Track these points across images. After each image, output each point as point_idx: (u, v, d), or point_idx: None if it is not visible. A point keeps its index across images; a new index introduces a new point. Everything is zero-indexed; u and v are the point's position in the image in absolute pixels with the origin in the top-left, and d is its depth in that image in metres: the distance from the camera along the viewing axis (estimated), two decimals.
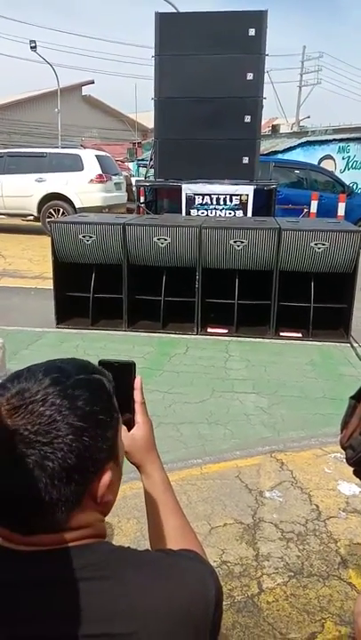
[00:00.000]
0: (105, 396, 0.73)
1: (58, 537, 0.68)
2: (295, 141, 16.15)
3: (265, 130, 19.89)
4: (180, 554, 0.77)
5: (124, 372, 0.91)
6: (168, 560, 0.74)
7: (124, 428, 0.88)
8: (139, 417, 0.93)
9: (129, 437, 0.91)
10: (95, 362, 0.81)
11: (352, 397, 1.08)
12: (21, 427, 0.64)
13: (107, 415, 0.71)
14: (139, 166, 16.06)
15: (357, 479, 1.05)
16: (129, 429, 0.91)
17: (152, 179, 7.09)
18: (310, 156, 15.08)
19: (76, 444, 0.66)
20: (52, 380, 0.68)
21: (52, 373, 0.69)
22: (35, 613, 0.64)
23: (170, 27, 6.19)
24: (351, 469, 1.04)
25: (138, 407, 0.93)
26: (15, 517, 0.67)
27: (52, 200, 11.03)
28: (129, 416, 0.91)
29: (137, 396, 0.93)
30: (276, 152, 15.60)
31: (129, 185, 12.87)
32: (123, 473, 0.78)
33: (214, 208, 6.27)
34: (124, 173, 14.18)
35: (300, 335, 5.10)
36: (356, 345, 4.90)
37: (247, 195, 6.20)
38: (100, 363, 0.88)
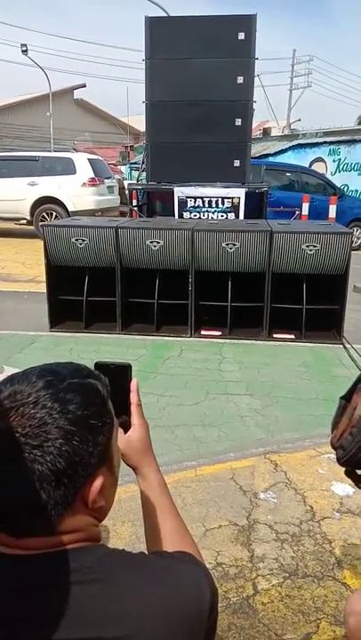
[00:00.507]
0: (98, 400, 0.72)
1: (50, 540, 0.68)
2: (286, 144, 16.24)
3: (256, 133, 19.98)
4: (174, 556, 0.77)
5: (120, 375, 0.91)
6: (163, 563, 0.74)
7: (120, 430, 0.88)
8: (135, 419, 0.93)
9: (125, 439, 0.91)
10: (90, 365, 0.82)
11: (342, 397, 1.09)
12: (12, 429, 0.65)
13: (98, 420, 0.70)
14: (131, 169, 16.08)
15: (350, 480, 1.06)
16: (125, 431, 0.92)
17: (144, 182, 7.10)
18: (301, 159, 15.17)
19: (65, 448, 0.65)
20: (45, 382, 0.68)
21: (46, 376, 0.69)
22: (27, 617, 0.64)
23: (160, 31, 6.21)
24: (343, 469, 1.05)
25: (134, 409, 0.94)
26: (7, 520, 0.67)
27: (45, 204, 11.02)
28: (125, 418, 0.92)
29: (133, 398, 0.94)
30: (267, 155, 15.69)
31: (122, 188, 12.88)
32: (119, 476, 0.78)
33: (206, 211, 6.29)
34: (117, 176, 14.18)
35: (292, 337, 5.13)
36: (348, 346, 4.93)
37: (239, 197, 6.22)
38: (97, 365, 0.89)
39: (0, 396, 0.67)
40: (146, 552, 0.86)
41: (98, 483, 0.70)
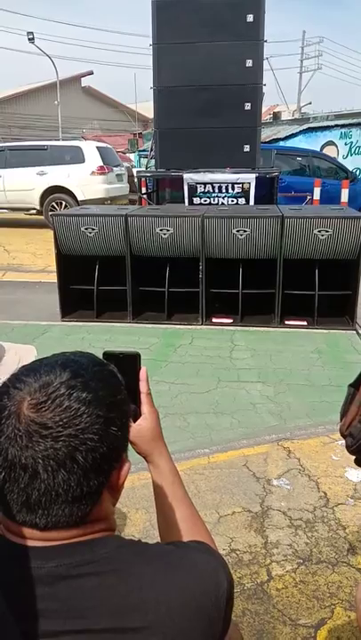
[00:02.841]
0: (121, 385, 0.75)
1: (74, 531, 0.68)
2: (297, 128, 16.01)
3: (266, 117, 19.73)
4: (191, 546, 0.77)
5: (128, 364, 0.91)
6: (178, 553, 0.74)
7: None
8: (145, 408, 0.93)
9: (136, 428, 0.91)
10: (102, 354, 0.82)
11: (351, 385, 1.07)
12: (49, 420, 0.65)
13: (125, 404, 0.74)
14: (140, 157, 15.98)
15: (360, 467, 1.05)
16: (135, 420, 0.91)
17: (153, 169, 7.05)
18: (312, 143, 14.95)
19: (104, 435, 0.67)
20: (72, 373, 0.68)
21: (70, 366, 0.70)
22: (46, 609, 0.64)
23: (167, 14, 6.12)
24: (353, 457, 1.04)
25: (144, 398, 0.93)
26: (44, 513, 0.66)
27: (54, 193, 11.00)
28: (134, 407, 0.91)
29: (142, 386, 0.93)
30: (277, 139, 15.47)
31: (131, 176, 12.81)
32: (132, 463, 0.78)
33: (217, 196, 6.25)
34: (126, 164, 14.10)
35: (305, 323, 5.09)
36: None
37: (249, 183, 6.16)
38: (105, 354, 0.88)
39: (29, 388, 0.67)
40: (160, 541, 0.86)
41: (127, 466, 0.73)
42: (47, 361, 0.72)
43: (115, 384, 0.73)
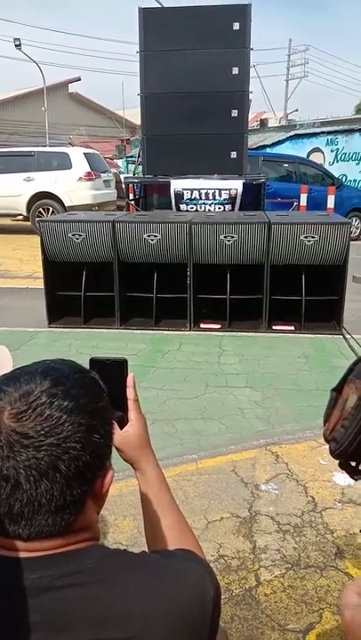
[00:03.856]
0: (102, 392, 0.74)
1: (58, 541, 0.67)
2: (284, 135, 16.15)
3: (253, 124, 19.88)
4: (177, 554, 0.77)
5: (115, 370, 0.91)
6: (165, 562, 0.73)
7: (116, 425, 0.88)
8: (132, 414, 0.93)
9: (122, 435, 0.90)
10: (86, 361, 0.81)
11: (333, 389, 1.08)
12: (30, 430, 0.64)
13: (107, 411, 0.73)
14: (128, 163, 16.00)
15: (345, 472, 1.05)
16: (122, 427, 0.91)
17: (141, 175, 7.07)
18: (299, 150, 15.09)
19: (86, 443, 0.66)
20: (53, 381, 0.68)
21: (51, 374, 0.69)
22: (30, 620, 0.63)
23: (154, 22, 6.16)
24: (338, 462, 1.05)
25: (131, 404, 0.93)
26: (26, 523, 0.66)
27: (42, 199, 10.98)
28: (121, 414, 0.91)
29: (130, 393, 0.93)
30: (264, 146, 15.60)
31: (118, 182, 12.82)
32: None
33: (203, 203, 6.27)
34: (113, 170, 14.11)
35: (292, 328, 5.12)
36: (348, 336, 4.92)
37: (236, 189, 6.20)
38: (92, 361, 0.88)
39: (9, 397, 0.66)
40: (146, 548, 0.86)
41: (110, 474, 0.72)
42: (27, 369, 0.71)
43: (96, 391, 0.72)
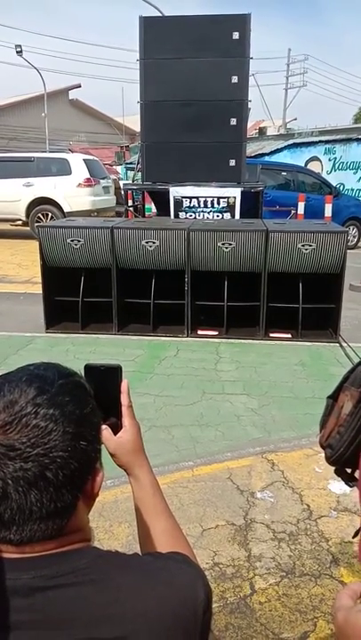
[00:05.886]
0: (88, 396, 0.73)
1: (50, 544, 0.68)
2: (282, 143, 16.26)
3: (252, 132, 19.98)
4: (169, 557, 0.77)
5: (110, 376, 0.91)
6: (157, 564, 0.73)
7: (110, 431, 0.88)
8: (126, 420, 0.93)
9: (116, 441, 0.90)
10: (82, 367, 0.82)
11: (329, 397, 1.09)
12: (16, 441, 0.64)
13: (95, 416, 0.72)
14: (127, 170, 16.06)
15: (341, 478, 1.06)
16: (115, 433, 0.91)
17: (140, 182, 7.09)
18: (297, 158, 15.18)
19: (73, 450, 0.66)
20: (37, 389, 0.67)
21: (35, 383, 0.68)
22: (22, 621, 0.63)
23: (154, 31, 6.21)
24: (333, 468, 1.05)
25: (125, 410, 0.93)
26: (15, 529, 0.66)
27: (41, 204, 11.00)
28: (115, 420, 0.91)
29: (124, 399, 0.93)
30: (263, 154, 15.69)
31: (117, 188, 12.86)
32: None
33: (202, 211, 6.29)
34: (113, 177, 14.16)
35: (289, 336, 5.13)
36: (344, 344, 4.93)
37: (234, 197, 6.22)
38: (86, 367, 0.88)
39: None
40: (140, 553, 0.86)
41: (100, 475, 0.72)
42: (11, 377, 0.70)
43: (82, 396, 0.72)
